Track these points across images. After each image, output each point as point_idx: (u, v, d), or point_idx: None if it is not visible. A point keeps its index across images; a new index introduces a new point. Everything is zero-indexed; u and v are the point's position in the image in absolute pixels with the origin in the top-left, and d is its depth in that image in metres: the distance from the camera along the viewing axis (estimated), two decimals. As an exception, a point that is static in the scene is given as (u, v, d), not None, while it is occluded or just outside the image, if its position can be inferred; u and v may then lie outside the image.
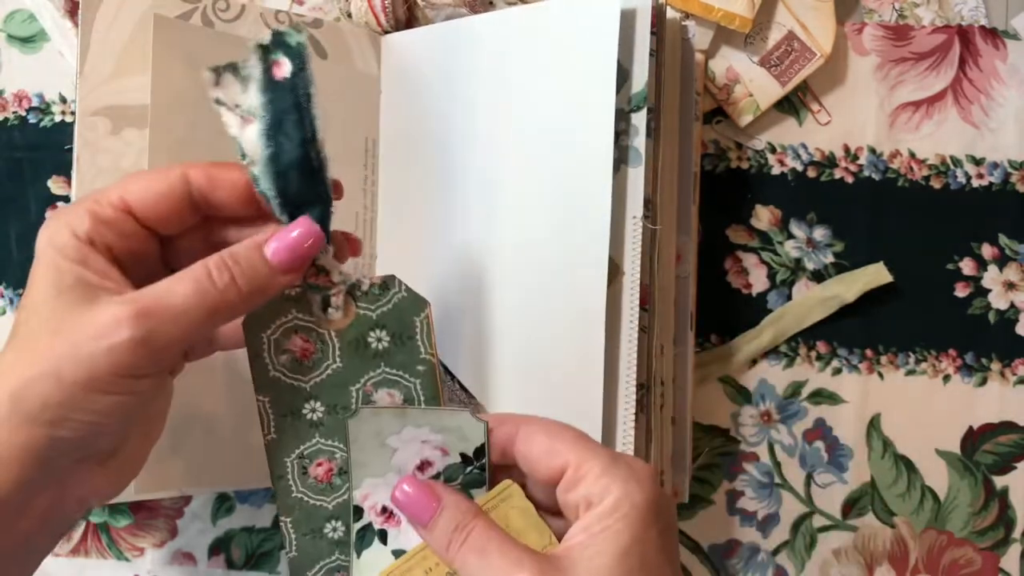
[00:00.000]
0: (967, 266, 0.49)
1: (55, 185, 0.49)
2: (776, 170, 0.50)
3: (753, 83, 0.49)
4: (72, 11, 0.48)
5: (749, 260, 0.49)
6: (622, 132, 0.40)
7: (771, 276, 0.49)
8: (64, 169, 0.48)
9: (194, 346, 0.36)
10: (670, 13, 0.43)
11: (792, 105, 0.50)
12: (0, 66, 0.49)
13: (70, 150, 0.43)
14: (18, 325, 0.30)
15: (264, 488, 0.47)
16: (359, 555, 0.35)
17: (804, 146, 0.50)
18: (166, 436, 0.43)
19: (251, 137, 0.32)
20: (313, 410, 0.36)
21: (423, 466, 0.34)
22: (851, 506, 0.49)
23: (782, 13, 0.49)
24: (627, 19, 0.40)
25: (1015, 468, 0.48)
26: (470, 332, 0.44)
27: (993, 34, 0.50)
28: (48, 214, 0.48)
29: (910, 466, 0.49)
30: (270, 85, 0.32)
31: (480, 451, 0.33)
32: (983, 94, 0.49)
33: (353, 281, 0.35)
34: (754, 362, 0.49)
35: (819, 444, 0.49)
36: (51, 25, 0.49)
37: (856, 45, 0.50)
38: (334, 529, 0.37)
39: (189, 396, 0.43)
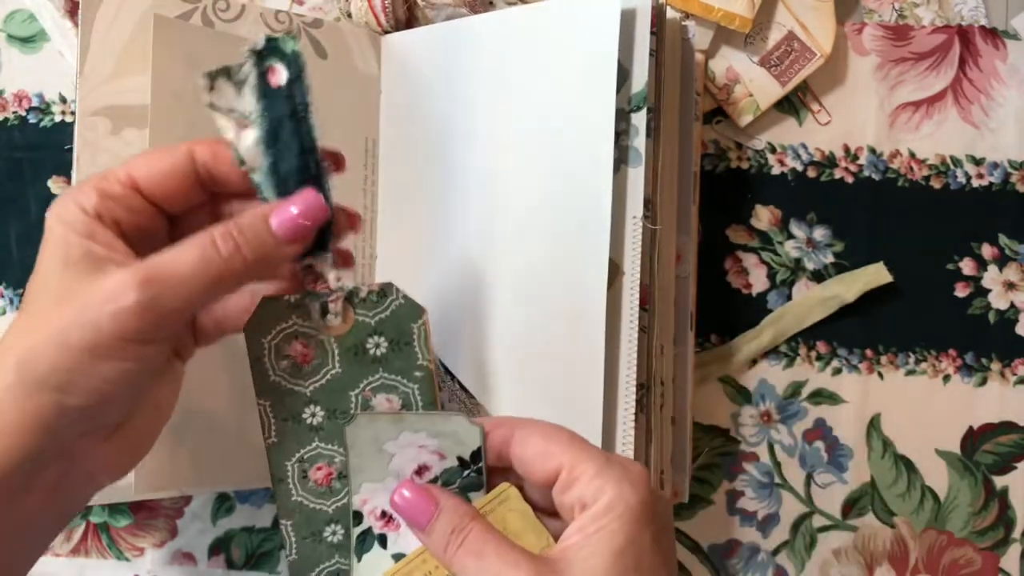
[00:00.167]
0: (967, 266, 0.49)
1: (55, 185, 0.49)
2: (776, 170, 0.50)
3: (753, 83, 0.49)
4: (72, 11, 0.48)
5: (749, 260, 0.49)
6: (622, 132, 0.40)
7: (771, 276, 0.49)
8: (64, 169, 0.48)
9: (202, 329, 0.36)
10: (670, 13, 0.43)
11: (792, 105, 0.50)
12: (0, 66, 0.49)
13: (70, 150, 0.43)
14: (27, 298, 0.31)
15: (264, 488, 0.47)
16: (359, 559, 0.35)
17: (804, 146, 0.50)
18: (166, 436, 0.43)
19: (248, 143, 0.33)
20: (313, 414, 0.37)
21: (421, 470, 0.34)
22: (851, 506, 0.49)
23: (782, 13, 0.49)
24: (627, 19, 0.40)
25: (1015, 468, 0.48)
26: (470, 332, 0.44)
27: (993, 34, 0.50)
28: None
29: (910, 466, 0.49)
30: (266, 92, 0.32)
31: (477, 455, 0.33)
32: (983, 94, 0.49)
33: (352, 288, 0.36)
34: (754, 362, 0.49)
35: (819, 444, 0.49)
36: (51, 25, 0.49)
37: (856, 45, 0.50)
38: (334, 533, 0.38)
39: (190, 396, 0.43)
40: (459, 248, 0.45)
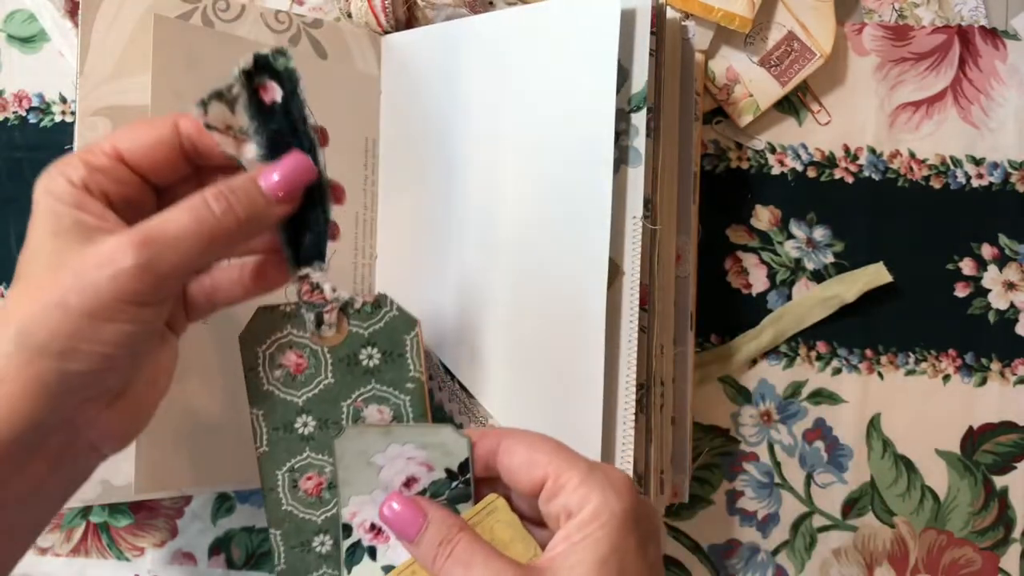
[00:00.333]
0: (967, 266, 0.49)
1: (55, 185, 0.49)
2: (776, 170, 0.50)
3: (753, 83, 0.49)
4: (72, 11, 0.48)
5: (749, 260, 0.49)
6: (622, 132, 0.40)
7: (771, 276, 0.49)
8: (64, 169, 0.48)
9: (193, 303, 0.36)
10: (670, 13, 0.43)
11: (792, 105, 0.50)
12: (0, 66, 0.49)
13: (70, 150, 0.43)
14: (20, 270, 0.31)
15: (264, 488, 0.47)
16: (349, 571, 0.35)
17: (804, 146, 0.50)
18: (166, 436, 0.43)
19: (249, 158, 0.33)
20: (305, 424, 0.37)
21: (409, 482, 0.34)
22: (851, 506, 0.49)
23: (782, 13, 0.49)
24: (627, 19, 0.40)
25: (1015, 468, 0.48)
26: (470, 332, 0.44)
27: (993, 34, 0.50)
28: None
29: (910, 466, 0.49)
30: (260, 108, 0.33)
31: (464, 466, 0.34)
32: (983, 94, 0.49)
33: (347, 299, 0.36)
34: (754, 362, 0.49)
35: (819, 444, 0.49)
36: (51, 25, 0.49)
37: (856, 45, 0.50)
38: (322, 543, 0.38)
39: (190, 396, 0.43)
40: (459, 248, 0.45)
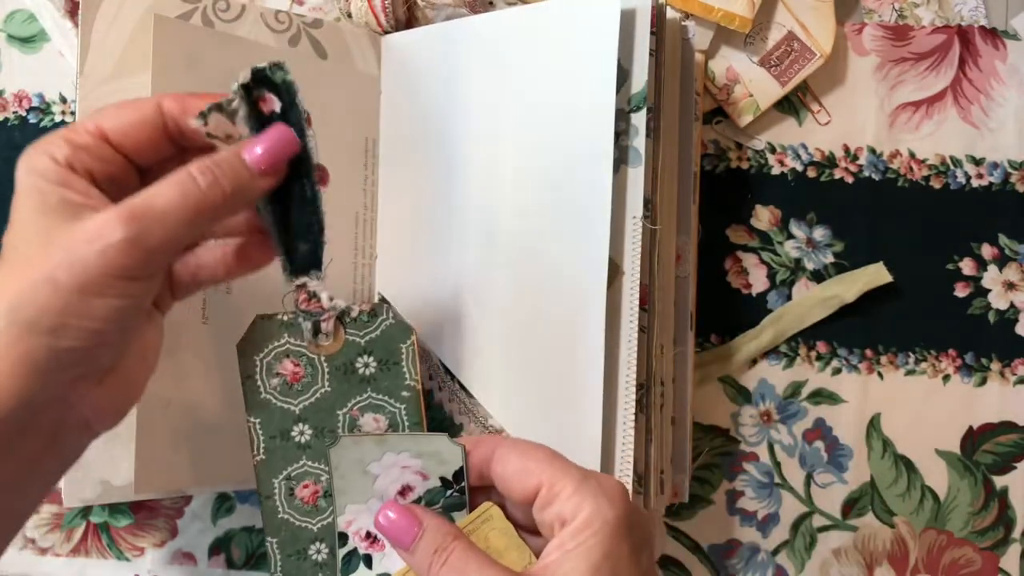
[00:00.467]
0: (967, 266, 0.49)
1: (55, 185, 0.49)
2: (776, 170, 0.50)
3: (753, 83, 0.49)
4: (72, 11, 0.48)
5: (749, 260, 0.49)
6: (622, 132, 0.40)
7: (771, 276, 0.49)
8: (64, 169, 0.48)
9: (179, 281, 0.36)
10: (670, 13, 0.43)
11: (792, 105, 0.50)
12: (0, 66, 0.49)
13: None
14: (6, 250, 0.31)
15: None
16: None
17: (804, 146, 0.50)
18: (166, 436, 0.43)
19: None
20: (302, 432, 0.38)
21: (404, 491, 0.35)
22: (851, 506, 0.49)
23: (782, 13, 0.49)
24: (627, 19, 0.40)
25: (1015, 468, 0.48)
26: (470, 332, 0.44)
27: (993, 34, 0.50)
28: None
29: (910, 466, 0.49)
30: (260, 119, 0.33)
31: (459, 474, 0.34)
32: (983, 94, 0.49)
33: (344, 307, 0.37)
34: (754, 362, 0.49)
35: (819, 444, 0.49)
36: (51, 25, 0.49)
37: (856, 45, 0.50)
38: (318, 551, 0.38)
39: (190, 396, 0.43)
40: (459, 248, 0.45)
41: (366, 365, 0.37)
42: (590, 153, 0.40)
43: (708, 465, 0.49)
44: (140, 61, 0.42)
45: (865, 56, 0.50)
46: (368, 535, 0.35)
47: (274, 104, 0.33)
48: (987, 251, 0.49)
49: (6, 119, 0.49)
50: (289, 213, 0.34)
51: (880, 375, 0.49)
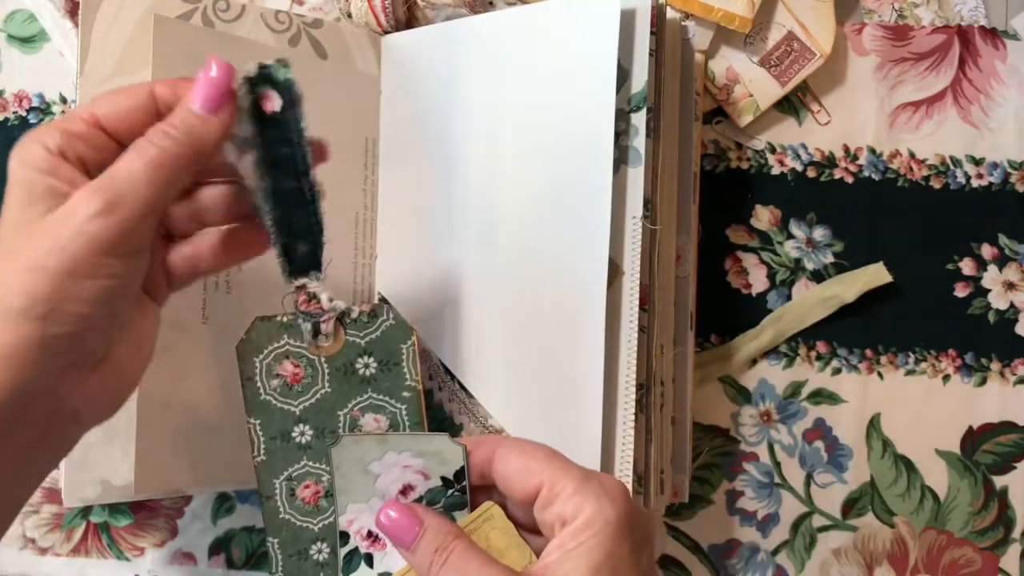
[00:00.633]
0: (967, 266, 0.49)
1: (55, 185, 0.49)
2: (776, 170, 0.50)
3: (753, 83, 0.49)
4: (72, 11, 0.48)
5: (749, 260, 0.49)
6: (622, 132, 0.40)
7: (771, 276, 0.49)
8: (64, 169, 0.48)
9: (173, 270, 0.36)
10: (670, 13, 0.43)
11: (792, 105, 0.50)
12: (0, 66, 0.49)
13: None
14: None
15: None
16: None
17: (804, 146, 0.50)
18: (166, 436, 0.43)
19: (247, 167, 0.33)
20: (302, 433, 0.38)
21: (406, 490, 0.35)
22: (851, 506, 0.49)
23: (782, 13, 0.49)
24: (627, 19, 0.40)
25: (1015, 468, 0.48)
26: (469, 332, 0.44)
27: (993, 34, 0.50)
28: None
29: (910, 466, 0.49)
30: (260, 117, 0.33)
31: (460, 474, 0.34)
32: (983, 94, 0.49)
33: (343, 308, 0.37)
34: (754, 362, 0.49)
35: (819, 444, 0.49)
36: (51, 25, 0.49)
37: (856, 45, 0.50)
38: (319, 551, 0.38)
39: (190, 396, 0.43)
40: (459, 248, 0.45)
41: (366, 366, 0.37)
42: (590, 153, 0.40)
43: (708, 465, 0.49)
44: (140, 61, 0.42)
45: (865, 56, 0.50)
46: (369, 534, 0.35)
47: (275, 103, 0.33)
48: (987, 251, 0.49)
49: (6, 119, 0.49)
50: (288, 214, 0.34)
51: (880, 375, 0.49)
